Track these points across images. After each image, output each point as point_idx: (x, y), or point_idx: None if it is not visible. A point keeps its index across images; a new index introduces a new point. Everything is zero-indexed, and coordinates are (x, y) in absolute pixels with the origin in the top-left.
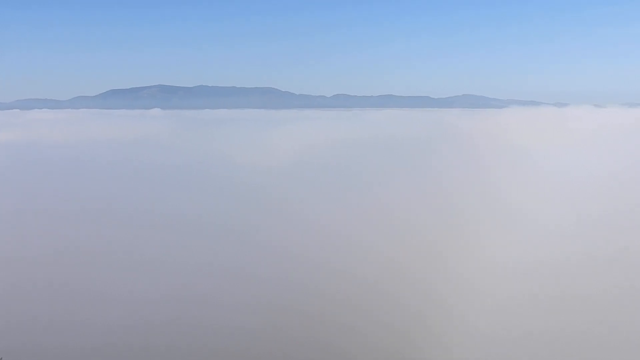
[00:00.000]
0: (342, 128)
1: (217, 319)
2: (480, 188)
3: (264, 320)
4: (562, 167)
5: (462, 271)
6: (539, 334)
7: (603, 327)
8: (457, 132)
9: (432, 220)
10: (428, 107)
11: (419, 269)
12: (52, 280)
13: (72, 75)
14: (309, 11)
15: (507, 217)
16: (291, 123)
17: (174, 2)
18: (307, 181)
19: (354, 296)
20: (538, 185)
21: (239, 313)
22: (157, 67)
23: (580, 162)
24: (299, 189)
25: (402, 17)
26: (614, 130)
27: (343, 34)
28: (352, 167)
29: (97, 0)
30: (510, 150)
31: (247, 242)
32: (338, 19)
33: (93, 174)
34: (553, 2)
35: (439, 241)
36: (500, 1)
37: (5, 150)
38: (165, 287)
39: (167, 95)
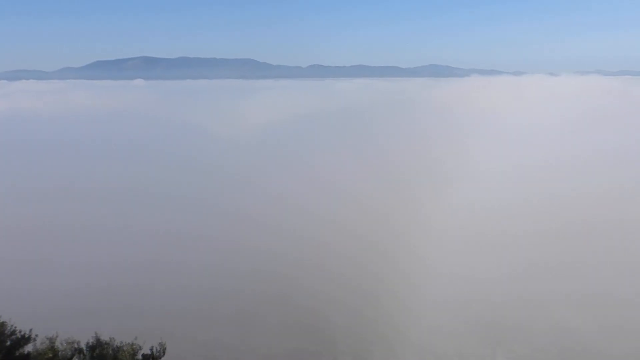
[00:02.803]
0: (313, 97)
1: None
2: (444, 146)
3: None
4: (512, 127)
5: (431, 214)
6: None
7: (551, 258)
8: (422, 99)
9: (402, 172)
10: (397, 76)
11: (393, 212)
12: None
13: (59, 46)
14: None
15: (468, 167)
16: (267, 92)
17: None
18: (281, 146)
19: (337, 241)
20: (494, 142)
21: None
22: (141, 39)
23: (529, 122)
24: (273, 154)
25: None
26: (562, 96)
27: (320, 6)
28: (320, 132)
29: None
30: (469, 114)
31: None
32: None
33: (71, 145)
34: None
35: (409, 190)
36: None
37: None
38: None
39: (150, 66)
